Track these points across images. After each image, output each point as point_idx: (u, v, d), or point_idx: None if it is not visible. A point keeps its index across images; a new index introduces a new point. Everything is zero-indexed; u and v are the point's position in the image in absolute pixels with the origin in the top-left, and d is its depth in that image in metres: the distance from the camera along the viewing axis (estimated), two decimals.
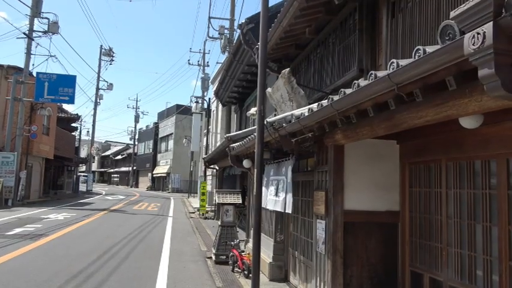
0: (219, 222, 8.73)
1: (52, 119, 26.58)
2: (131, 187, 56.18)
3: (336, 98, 3.57)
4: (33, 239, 9.83)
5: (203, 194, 19.24)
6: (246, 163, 8.23)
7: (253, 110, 6.47)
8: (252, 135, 6.91)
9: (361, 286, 5.12)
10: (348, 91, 3.34)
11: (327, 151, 5.37)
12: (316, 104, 4.26)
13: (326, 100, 3.83)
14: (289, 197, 5.63)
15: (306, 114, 4.38)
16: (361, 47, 5.94)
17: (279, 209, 6.00)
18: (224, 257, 8.32)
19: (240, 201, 8.80)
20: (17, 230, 11.12)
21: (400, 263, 5.24)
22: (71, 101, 21.93)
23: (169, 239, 10.98)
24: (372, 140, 4.89)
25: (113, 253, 8.64)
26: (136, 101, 65.07)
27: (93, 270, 6.99)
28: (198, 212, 19.46)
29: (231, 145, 9.07)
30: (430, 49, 2.29)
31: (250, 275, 7.25)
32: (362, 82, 3.18)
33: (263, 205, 6.75)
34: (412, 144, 5.03)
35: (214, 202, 19.58)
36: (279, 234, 7.34)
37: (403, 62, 2.59)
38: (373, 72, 2.94)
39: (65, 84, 21.33)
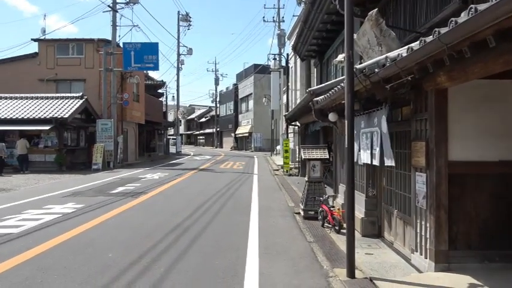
0: (306, 178, 8.60)
1: (141, 86, 28.24)
2: (216, 147, 58.71)
3: (444, 30, 3.06)
4: (134, 196, 10.68)
5: (286, 151, 19.28)
6: (331, 116, 7.85)
7: (340, 57, 6.02)
8: (337, 87, 6.51)
9: (469, 244, 4.67)
10: (462, 19, 2.82)
11: (426, 97, 4.83)
12: (417, 42, 3.74)
13: (431, 36, 3.32)
14: (387, 148, 5.22)
15: (404, 54, 3.89)
16: None
17: (375, 162, 5.63)
18: (313, 212, 8.24)
19: (327, 156, 8.53)
20: (120, 189, 12.18)
21: None
22: (156, 67, 22.96)
23: (257, 195, 11.21)
24: (480, 81, 4.25)
25: (205, 209, 9.04)
26: (215, 64, 66.44)
27: (189, 224, 7.37)
28: (281, 169, 19.64)
29: (315, 99, 8.72)
30: None
31: (342, 230, 7.10)
32: (480, 6, 2.64)
33: (355, 159, 6.43)
34: None
35: (297, 159, 19.59)
36: (370, 189, 6.99)
37: None
38: None
39: (148, 52, 22.30)
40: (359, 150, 6.28)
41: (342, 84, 6.06)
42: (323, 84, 10.36)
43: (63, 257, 5.24)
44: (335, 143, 10.06)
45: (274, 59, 27.42)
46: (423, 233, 4.92)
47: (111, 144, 21.70)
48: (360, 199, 7.12)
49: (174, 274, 4.62)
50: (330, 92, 6.94)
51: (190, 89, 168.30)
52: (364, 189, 7.04)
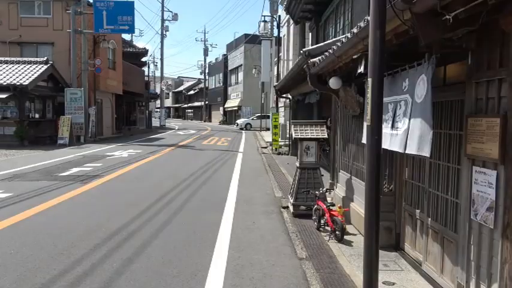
0: (297, 164, 6.64)
1: (117, 53, 25.65)
2: (204, 121, 56.39)
3: None
4: (84, 181, 8.62)
5: (275, 127, 17.25)
6: (333, 83, 5.84)
7: None
8: (347, 35, 4.47)
9: None
10: None
11: (502, 43, 2.84)
12: None
13: None
14: (425, 127, 3.26)
15: None
16: None
17: (397, 148, 3.68)
18: (304, 207, 6.39)
19: (326, 136, 6.55)
20: (73, 170, 10.09)
21: None
22: (131, 30, 20.43)
23: (237, 181, 9.23)
24: None
25: (167, 201, 7.06)
26: (204, 33, 63.94)
27: (136, 227, 5.40)
28: (270, 147, 17.68)
29: (311, 60, 6.69)
30: None
31: (345, 237, 5.23)
32: None
33: (363, 141, 4.50)
34: None
35: (287, 135, 17.62)
36: (386, 182, 5.08)
37: None
38: None
39: (123, 12, 19.70)
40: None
41: (355, 30, 4.03)
42: (321, 44, 8.29)
43: None
44: (334, 118, 8.08)
45: (265, 21, 24.97)
46: (484, 264, 3.04)
47: (81, 116, 19.41)
48: None
49: None
50: (335, 47, 4.90)
51: (178, 60, 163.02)
52: None
